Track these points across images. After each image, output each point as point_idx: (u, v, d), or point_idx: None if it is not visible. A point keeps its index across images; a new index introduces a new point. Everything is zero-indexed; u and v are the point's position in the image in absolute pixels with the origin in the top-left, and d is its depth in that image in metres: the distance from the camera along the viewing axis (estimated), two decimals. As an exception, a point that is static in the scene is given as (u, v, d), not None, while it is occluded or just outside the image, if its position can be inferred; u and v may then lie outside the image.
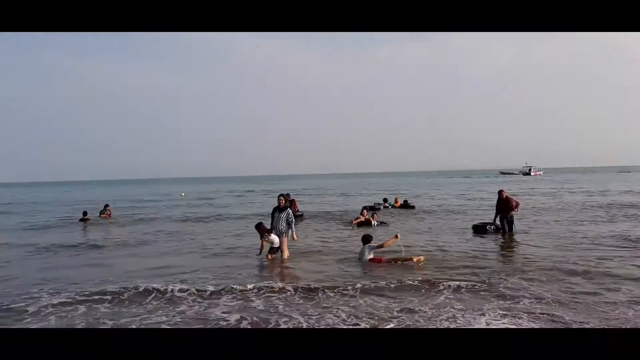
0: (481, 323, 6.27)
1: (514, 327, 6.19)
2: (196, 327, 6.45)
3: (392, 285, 8.26)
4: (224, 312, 7.00)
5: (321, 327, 6.39)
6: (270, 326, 6.44)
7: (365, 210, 18.87)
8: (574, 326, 6.16)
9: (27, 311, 7.24)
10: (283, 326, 6.43)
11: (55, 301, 7.67)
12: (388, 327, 6.29)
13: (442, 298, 7.52)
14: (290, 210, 11.34)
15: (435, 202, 29.51)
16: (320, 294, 7.81)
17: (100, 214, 24.13)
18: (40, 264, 11.70)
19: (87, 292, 8.15)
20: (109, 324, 6.61)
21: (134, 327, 6.49)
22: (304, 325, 6.42)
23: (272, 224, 11.26)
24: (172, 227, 19.97)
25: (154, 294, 7.94)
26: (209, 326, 6.52)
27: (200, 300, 7.70)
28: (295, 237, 11.28)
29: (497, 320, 6.36)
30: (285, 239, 11.16)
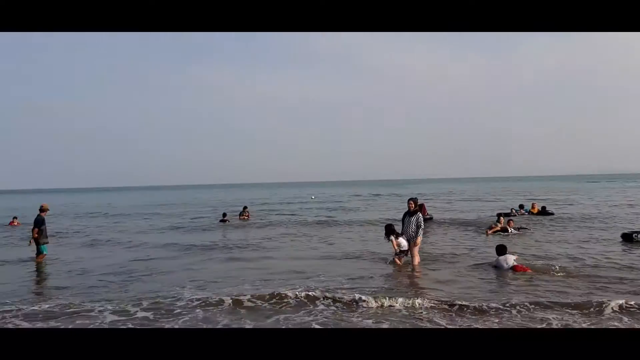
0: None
1: (513, 327, 6.08)
2: (196, 327, 6.46)
3: (550, 300, 7.48)
4: (367, 319, 6.84)
5: (321, 327, 6.30)
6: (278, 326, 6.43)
7: (501, 218, 17.77)
8: (574, 326, 6.04)
9: (175, 304, 7.71)
10: (283, 326, 6.42)
11: (200, 297, 8.06)
12: (388, 327, 6.10)
13: (606, 313, 6.72)
14: (420, 215, 11.04)
15: (577, 209, 27.08)
16: (464, 303, 7.31)
17: (240, 215, 25.31)
18: (185, 262, 12.53)
19: (229, 291, 8.48)
20: (251, 323, 6.77)
21: (134, 327, 6.60)
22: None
23: (402, 228, 11.09)
24: (305, 229, 20.43)
25: (291, 296, 7.98)
26: (209, 326, 6.53)
27: (340, 304, 7.59)
28: (418, 240, 10.85)
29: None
30: (415, 244, 10.85)
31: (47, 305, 7.78)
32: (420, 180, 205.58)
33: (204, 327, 6.58)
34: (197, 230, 21.64)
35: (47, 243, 12.99)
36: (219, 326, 6.61)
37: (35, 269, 12.09)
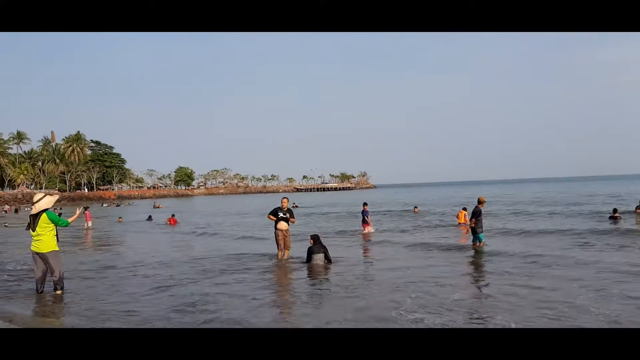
0: None
1: (514, 327, 5.93)
2: (196, 327, 6.30)
3: None
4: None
5: (321, 327, 6.18)
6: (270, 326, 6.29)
7: None
8: (574, 326, 5.83)
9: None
10: (282, 326, 6.29)
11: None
12: (388, 327, 5.97)
13: None
14: None
15: None
16: None
17: (637, 209, 23.55)
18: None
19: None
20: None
21: (134, 327, 6.40)
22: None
23: None
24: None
25: None
26: (208, 326, 6.37)
27: None
28: None
29: None
30: None
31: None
32: None
33: (204, 327, 6.45)
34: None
35: (482, 232, 14.04)
36: (220, 326, 6.51)
37: (473, 254, 13.18)
